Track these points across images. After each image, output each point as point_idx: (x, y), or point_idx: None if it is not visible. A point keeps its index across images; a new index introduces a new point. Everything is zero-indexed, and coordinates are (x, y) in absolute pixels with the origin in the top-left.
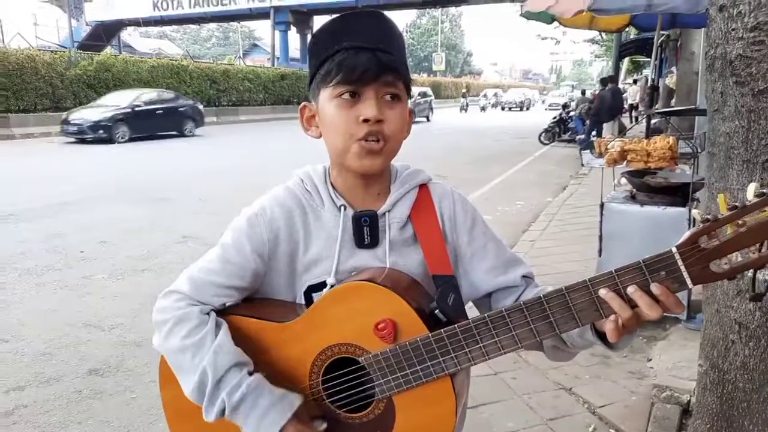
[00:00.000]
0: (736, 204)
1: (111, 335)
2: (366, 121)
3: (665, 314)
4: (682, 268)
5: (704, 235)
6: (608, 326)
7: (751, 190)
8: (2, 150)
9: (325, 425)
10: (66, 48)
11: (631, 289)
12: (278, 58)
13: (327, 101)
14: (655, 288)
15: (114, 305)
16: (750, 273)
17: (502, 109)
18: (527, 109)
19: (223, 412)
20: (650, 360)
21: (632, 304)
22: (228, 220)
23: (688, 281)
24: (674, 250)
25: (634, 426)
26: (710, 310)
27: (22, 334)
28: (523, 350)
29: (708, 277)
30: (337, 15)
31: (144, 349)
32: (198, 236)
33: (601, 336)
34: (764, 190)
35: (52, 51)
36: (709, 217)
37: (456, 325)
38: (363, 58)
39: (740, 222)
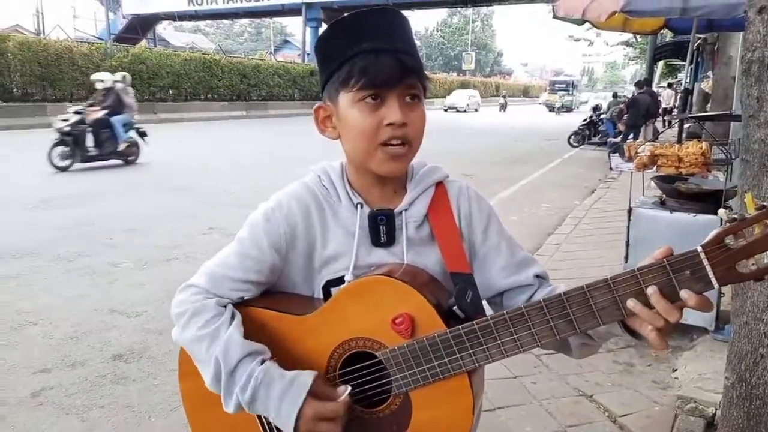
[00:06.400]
0: (764, 204)
1: (136, 322)
2: (390, 125)
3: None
4: (708, 267)
5: (731, 234)
6: (651, 336)
7: None
8: (39, 138)
9: (349, 388)
10: (102, 40)
11: (650, 291)
12: (308, 54)
13: (348, 105)
14: (683, 293)
15: (139, 293)
16: None
17: None
18: None
19: (240, 406)
20: (675, 370)
21: (651, 305)
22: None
23: (714, 281)
24: (699, 249)
25: None
26: (739, 322)
27: (50, 318)
28: (543, 353)
29: (734, 278)
30: (348, 14)
31: (166, 337)
32: (223, 227)
33: (628, 329)
34: None
35: (89, 43)
36: (735, 216)
37: (474, 322)
38: (385, 61)
39: None
